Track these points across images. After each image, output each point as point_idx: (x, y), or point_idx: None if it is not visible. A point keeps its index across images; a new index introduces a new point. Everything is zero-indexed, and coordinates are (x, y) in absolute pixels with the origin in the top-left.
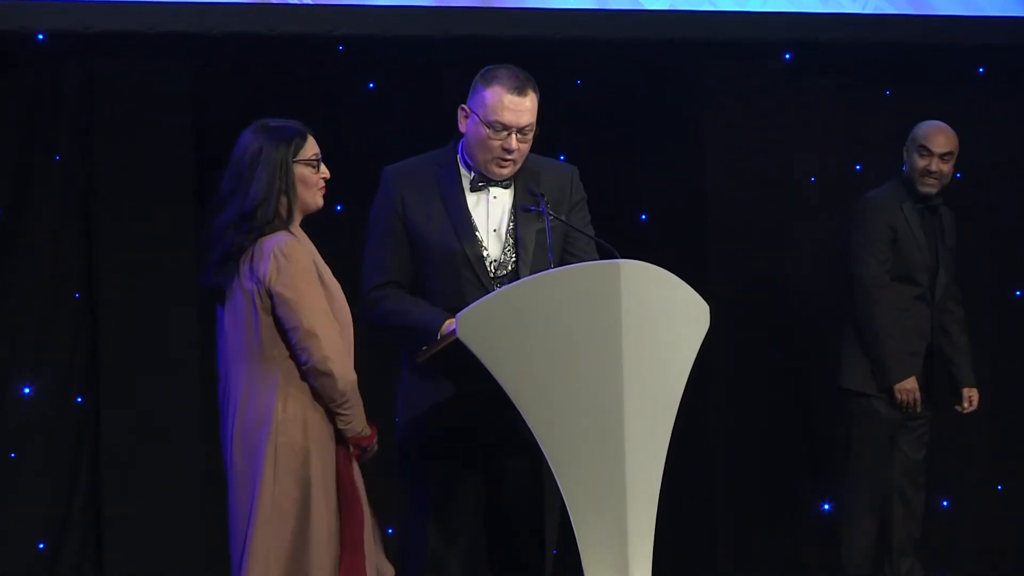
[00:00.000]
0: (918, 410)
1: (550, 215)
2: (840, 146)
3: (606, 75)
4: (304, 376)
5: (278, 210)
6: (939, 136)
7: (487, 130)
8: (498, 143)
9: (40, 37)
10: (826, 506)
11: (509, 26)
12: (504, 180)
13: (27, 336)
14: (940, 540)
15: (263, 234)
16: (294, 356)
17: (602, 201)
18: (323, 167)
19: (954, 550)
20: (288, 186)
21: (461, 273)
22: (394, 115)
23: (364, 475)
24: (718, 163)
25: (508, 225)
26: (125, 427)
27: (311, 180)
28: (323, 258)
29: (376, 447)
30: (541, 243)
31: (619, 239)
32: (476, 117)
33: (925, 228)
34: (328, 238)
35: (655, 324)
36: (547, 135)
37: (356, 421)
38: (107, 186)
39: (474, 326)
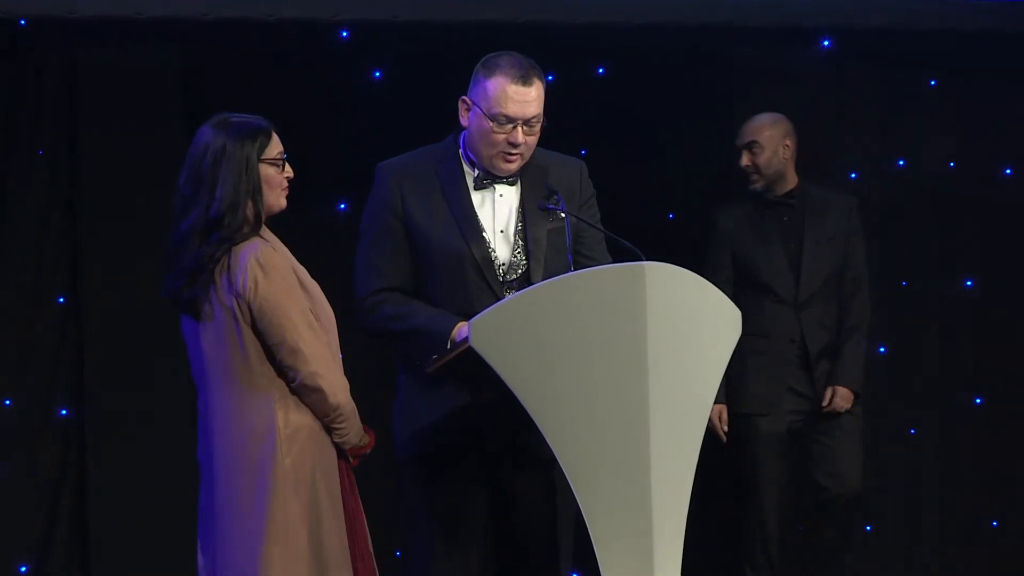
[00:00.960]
0: (721, 436)
1: (570, 215)
2: (882, 140)
3: (631, 63)
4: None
5: (246, 215)
6: (742, 128)
7: (490, 123)
8: (503, 137)
9: (22, 23)
10: (868, 527)
11: (526, 10)
12: (510, 176)
13: (7, 344)
14: (990, 560)
15: (234, 243)
16: (281, 373)
17: (626, 199)
18: (287, 167)
19: (1005, 571)
20: (254, 188)
21: (468, 278)
22: (402, 107)
23: (361, 492)
24: None
25: (516, 225)
26: (112, 442)
27: (275, 181)
28: (326, 260)
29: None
30: (554, 244)
31: (644, 239)
32: (478, 110)
33: (783, 226)
34: (331, 238)
35: (683, 331)
36: (567, 128)
37: (352, 432)
38: (93, 183)
39: (488, 333)
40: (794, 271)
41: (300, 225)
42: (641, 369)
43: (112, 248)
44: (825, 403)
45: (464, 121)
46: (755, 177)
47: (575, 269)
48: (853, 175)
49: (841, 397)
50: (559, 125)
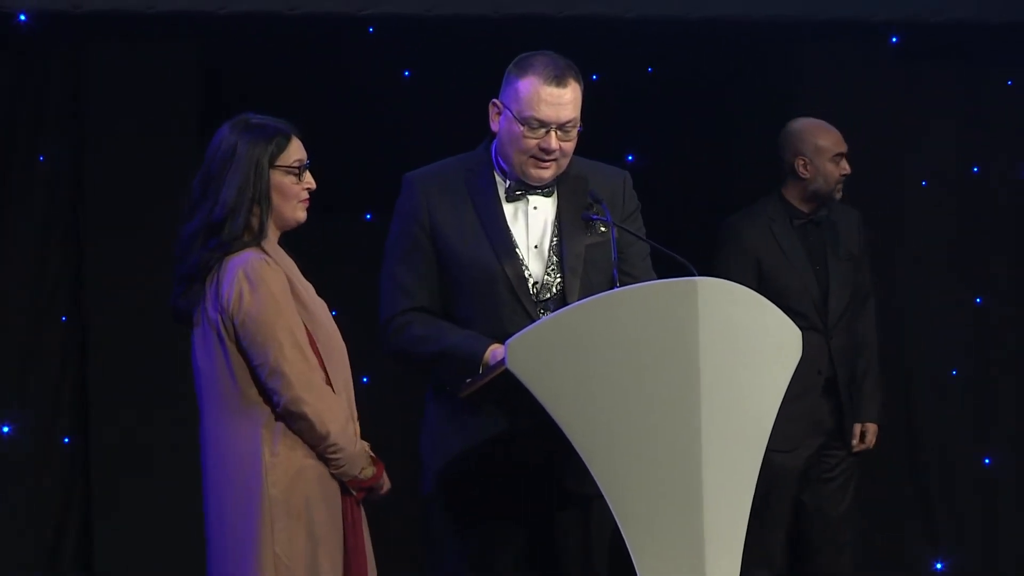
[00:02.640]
0: None
1: (616, 225)
2: (955, 144)
3: (683, 62)
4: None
5: (249, 222)
6: (835, 135)
7: (521, 127)
8: (534, 142)
9: (22, 18)
10: (939, 564)
11: (569, 5)
12: (544, 185)
13: (6, 366)
14: None
15: (231, 251)
16: (266, 397)
17: (679, 208)
18: (307, 176)
19: None
20: (261, 195)
21: (500, 297)
22: (433, 109)
23: (382, 528)
24: None
25: (551, 241)
26: (118, 470)
27: (291, 191)
28: (349, 274)
29: (386, 484)
30: (593, 261)
31: (697, 252)
32: (509, 112)
33: (808, 247)
34: (355, 252)
35: (738, 352)
36: (613, 132)
37: (350, 464)
38: (99, 192)
39: (526, 355)
40: (822, 295)
41: (321, 237)
42: (693, 394)
43: (119, 263)
44: (856, 441)
45: (494, 126)
46: (840, 187)
47: (620, 285)
48: (924, 183)
49: (873, 433)
50: (604, 129)
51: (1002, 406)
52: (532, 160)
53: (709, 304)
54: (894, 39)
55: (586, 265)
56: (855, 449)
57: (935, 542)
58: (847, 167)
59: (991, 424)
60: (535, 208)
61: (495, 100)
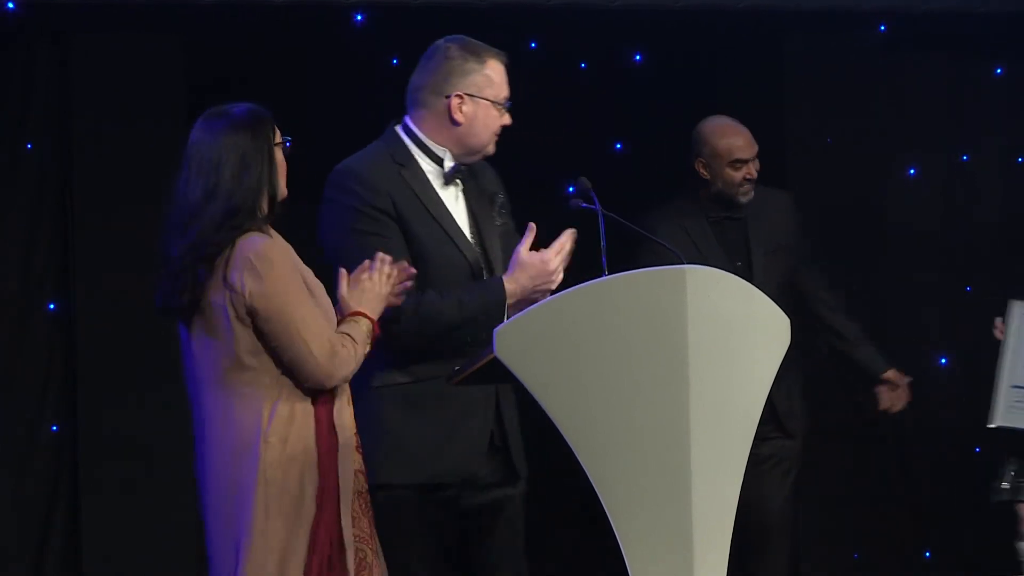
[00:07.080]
0: None
1: (607, 214)
2: (944, 133)
3: (671, 49)
4: (292, 395)
5: (254, 207)
6: (741, 139)
7: (499, 110)
8: (502, 120)
9: (10, 6)
10: (927, 553)
11: None
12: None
13: None
14: None
15: (236, 236)
16: (289, 374)
17: (666, 196)
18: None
19: None
20: (265, 179)
21: (463, 282)
22: None
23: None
24: (802, 153)
25: (471, 227)
26: (107, 460)
27: (281, 168)
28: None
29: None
30: (507, 247)
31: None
32: (483, 100)
33: (727, 243)
34: None
35: (727, 341)
36: (600, 121)
37: (364, 348)
38: (86, 180)
39: (515, 342)
40: None
41: (308, 225)
42: (681, 382)
43: (106, 251)
44: (890, 400)
45: (459, 118)
46: (750, 187)
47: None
48: (912, 171)
49: (905, 381)
50: (592, 118)
51: (991, 395)
52: (493, 137)
53: (698, 292)
54: (882, 28)
55: (501, 252)
56: (893, 408)
57: (925, 532)
58: (752, 171)
59: (981, 413)
60: (460, 193)
61: (459, 93)
